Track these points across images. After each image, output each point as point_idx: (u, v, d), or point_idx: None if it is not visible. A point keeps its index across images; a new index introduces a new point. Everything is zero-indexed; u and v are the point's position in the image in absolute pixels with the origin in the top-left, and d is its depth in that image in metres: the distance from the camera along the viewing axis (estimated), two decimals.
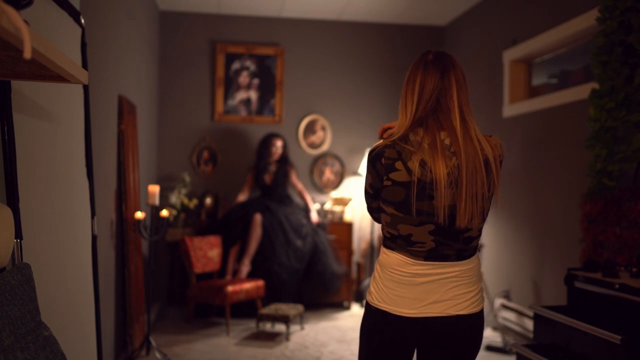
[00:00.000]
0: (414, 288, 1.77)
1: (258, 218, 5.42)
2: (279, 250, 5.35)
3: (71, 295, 2.44)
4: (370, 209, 1.90)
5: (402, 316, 1.77)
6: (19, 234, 1.82)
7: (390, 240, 1.81)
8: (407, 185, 1.71)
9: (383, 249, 1.86)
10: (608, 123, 3.27)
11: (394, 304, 1.79)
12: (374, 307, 1.83)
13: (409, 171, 1.70)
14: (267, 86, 6.23)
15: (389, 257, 1.81)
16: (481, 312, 1.83)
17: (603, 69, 3.30)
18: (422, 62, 1.81)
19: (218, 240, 5.41)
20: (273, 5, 5.84)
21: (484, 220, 1.78)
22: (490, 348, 4.41)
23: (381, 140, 1.80)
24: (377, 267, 1.87)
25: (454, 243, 1.75)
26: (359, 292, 5.99)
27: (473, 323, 1.80)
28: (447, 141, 1.74)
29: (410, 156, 1.71)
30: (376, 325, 1.83)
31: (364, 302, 1.93)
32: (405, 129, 1.77)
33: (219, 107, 6.15)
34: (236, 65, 6.19)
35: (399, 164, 1.72)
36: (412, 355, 1.89)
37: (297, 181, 5.86)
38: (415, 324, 1.77)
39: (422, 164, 1.70)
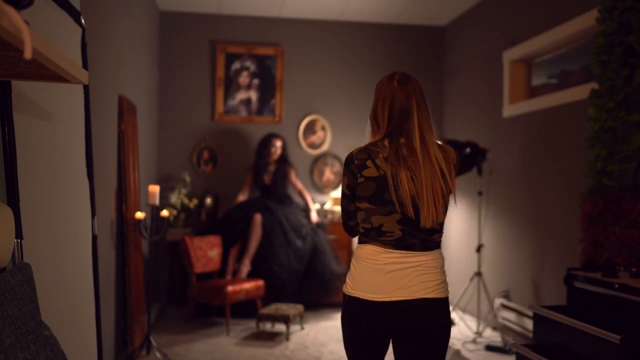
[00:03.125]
0: (385, 275, 1.99)
1: (258, 218, 5.42)
2: (278, 250, 5.35)
3: (71, 295, 2.44)
4: (347, 214, 2.14)
5: (374, 301, 1.98)
6: (19, 234, 1.82)
7: (364, 235, 2.07)
8: (376, 179, 2.00)
9: (358, 245, 2.11)
10: (608, 123, 3.27)
11: (366, 291, 2.00)
12: (349, 295, 2.04)
13: (377, 167, 2.00)
14: (267, 86, 6.24)
15: (363, 249, 2.06)
16: (446, 300, 2.05)
17: (603, 69, 3.31)
18: (390, 85, 2.17)
19: (218, 240, 5.42)
20: (273, 5, 5.84)
21: (444, 215, 2.04)
22: (490, 348, 4.42)
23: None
24: (353, 261, 2.11)
25: (418, 233, 2.01)
26: None
27: (439, 307, 2.00)
28: (405, 152, 2.02)
29: (378, 155, 2.02)
30: (353, 311, 2.03)
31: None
32: (376, 140, 2.09)
33: (219, 107, 6.15)
34: (236, 65, 6.19)
35: (369, 162, 2.02)
36: (388, 343, 2.07)
37: (296, 181, 5.86)
38: (387, 308, 1.97)
39: (385, 162, 2.00)
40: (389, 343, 2.07)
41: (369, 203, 2.02)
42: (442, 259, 2.10)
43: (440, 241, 2.09)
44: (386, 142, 2.05)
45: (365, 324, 2.00)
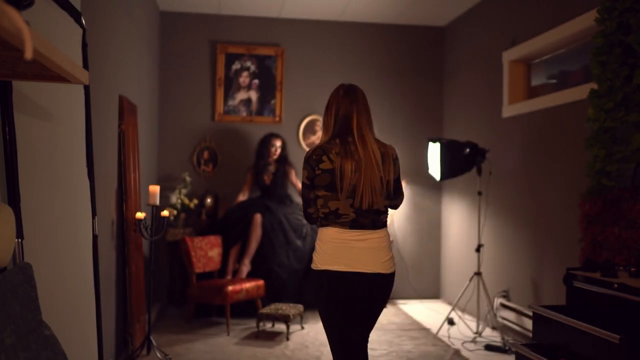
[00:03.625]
0: (347, 251, 2.45)
1: (258, 218, 5.43)
2: (278, 250, 5.36)
3: (72, 295, 2.45)
4: (307, 202, 2.54)
5: (341, 271, 2.43)
6: (20, 234, 1.82)
7: (324, 219, 2.50)
8: (330, 171, 2.45)
9: (320, 229, 2.54)
10: (607, 123, 3.28)
11: (331, 264, 2.45)
12: (317, 270, 2.48)
13: (331, 161, 2.45)
14: (268, 86, 6.24)
15: (326, 231, 2.50)
16: (393, 274, 2.55)
17: (602, 69, 3.31)
18: (337, 95, 2.58)
19: (218, 240, 5.42)
20: (273, 6, 5.85)
21: (388, 199, 2.53)
22: (490, 347, 4.42)
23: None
24: (317, 242, 2.53)
25: (368, 214, 2.47)
26: None
27: (388, 281, 2.53)
28: (352, 148, 2.47)
29: (331, 151, 2.47)
30: (322, 281, 2.47)
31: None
32: (327, 139, 2.54)
33: (219, 107, 6.16)
34: (236, 65, 6.20)
35: (324, 157, 2.46)
36: (353, 305, 2.49)
37: (296, 181, 5.87)
38: (350, 277, 2.44)
39: (337, 156, 2.45)
40: (352, 304, 2.48)
41: (325, 191, 2.46)
42: (388, 236, 2.56)
43: (386, 221, 2.56)
44: (337, 140, 2.51)
45: (335, 290, 2.45)
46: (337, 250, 2.45)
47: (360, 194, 2.44)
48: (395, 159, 2.60)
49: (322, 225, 2.52)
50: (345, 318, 2.49)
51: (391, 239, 2.55)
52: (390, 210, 2.65)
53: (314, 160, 2.47)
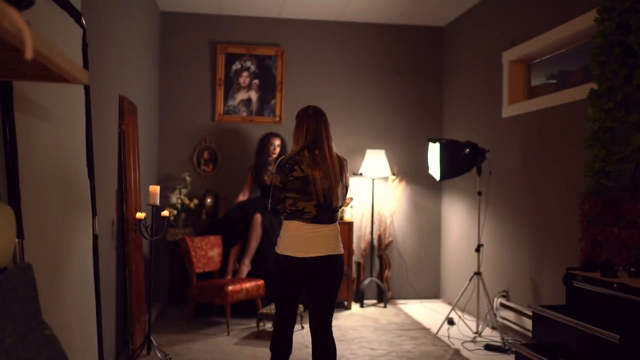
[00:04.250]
0: (306, 240, 3.05)
1: (258, 218, 5.43)
2: None
3: (72, 295, 2.45)
4: (275, 200, 3.09)
5: (298, 257, 3.03)
6: (20, 234, 1.83)
7: (291, 214, 3.08)
8: (302, 179, 3.04)
9: (285, 222, 3.11)
10: (607, 123, 3.28)
11: (293, 251, 3.04)
12: (281, 254, 3.08)
13: (302, 170, 3.04)
14: (268, 86, 6.25)
15: (290, 224, 3.08)
16: (341, 256, 3.13)
17: (602, 69, 3.31)
18: (307, 114, 3.22)
19: (218, 240, 5.43)
20: (273, 6, 5.85)
21: (342, 201, 3.16)
22: (490, 347, 4.43)
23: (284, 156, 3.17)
24: (282, 231, 3.11)
25: (326, 212, 3.08)
26: (359, 291, 6.00)
27: (337, 260, 3.10)
28: (319, 159, 3.08)
29: (302, 162, 3.06)
30: (284, 264, 3.07)
31: (274, 254, 3.15)
32: (298, 151, 3.11)
33: (220, 107, 6.16)
34: (236, 65, 6.20)
35: (296, 167, 3.04)
36: (306, 283, 3.09)
37: None
38: (306, 261, 3.04)
39: (307, 167, 3.04)
40: (306, 282, 3.09)
41: (296, 194, 3.05)
42: (337, 229, 3.17)
43: (337, 217, 3.19)
44: (306, 152, 3.09)
45: (292, 271, 3.05)
46: (298, 240, 3.05)
47: (329, 196, 3.06)
48: (347, 169, 3.24)
49: (288, 219, 3.10)
50: (289, 293, 3.12)
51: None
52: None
53: (287, 169, 3.05)
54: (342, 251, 3.15)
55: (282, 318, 3.16)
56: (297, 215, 3.05)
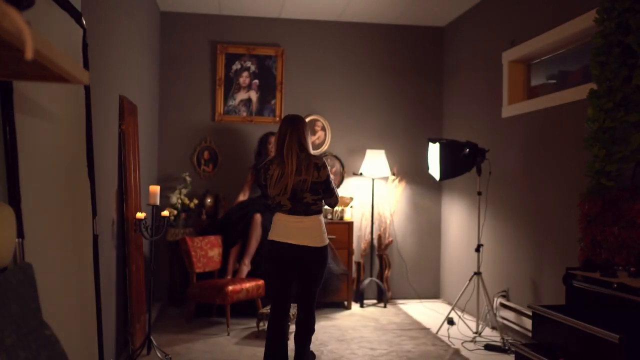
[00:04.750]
0: (286, 229, 3.55)
1: (258, 218, 5.43)
2: None
3: (72, 295, 2.46)
4: (266, 196, 3.66)
5: (283, 242, 3.54)
6: (20, 234, 1.83)
7: (275, 207, 3.63)
8: (274, 177, 3.54)
9: (274, 214, 3.65)
10: (606, 123, 3.28)
11: (278, 237, 3.56)
12: (269, 239, 3.61)
13: (274, 170, 3.55)
14: (268, 86, 6.25)
15: (276, 215, 3.62)
16: (323, 248, 3.57)
17: (601, 69, 3.32)
18: (283, 121, 3.64)
19: (218, 240, 5.43)
20: (273, 6, 5.86)
21: (315, 195, 3.55)
22: (490, 347, 4.43)
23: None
24: (273, 221, 3.64)
25: (300, 205, 3.54)
26: (359, 291, 6.00)
27: (316, 251, 3.54)
28: (287, 159, 3.52)
29: (272, 164, 3.58)
30: (273, 247, 3.60)
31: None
32: (276, 153, 3.62)
33: (220, 107, 6.16)
34: (236, 65, 6.21)
35: (271, 167, 3.58)
36: (295, 268, 3.59)
37: None
38: (288, 247, 3.53)
39: (277, 167, 3.54)
40: (294, 267, 3.58)
41: (272, 189, 3.57)
42: (319, 221, 3.59)
43: (318, 210, 3.60)
44: (278, 155, 3.59)
45: (279, 254, 3.57)
46: (280, 228, 3.57)
47: (299, 191, 3.52)
48: (320, 167, 3.55)
49: (275, 211, 3.66)
50: (279, 273, 3.61)
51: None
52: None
53: (264, 169, 3.64)
54: (321, 243, 3.56)
55: (275, 301, 3.67)
56: (279, 208, 3.60)
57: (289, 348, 3.77)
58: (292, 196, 3.51)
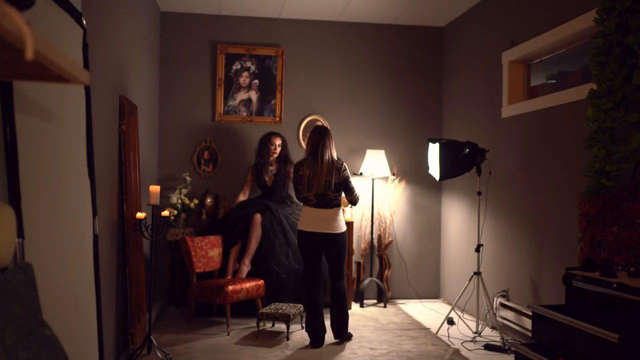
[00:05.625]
0: (313, 220, 4.45)
1: (258, 218, 5.43)
2: (278, 250, 5.36)
3: (73, 295, 2.46)
4: (295, 191, 4.58)
5: (308, 231, 4.46)
6: (21, 234, 1.83)
7: (303, 201, 4.53)
8: (304, 176, 4.44)
9: (302, 207, 4.56)
10: (606, 123, 3.29)
11: (306, 227, 4.47)
12: (300, 229, 4.53)
13: (304, 170, 4.44)
14: (268, 87, 6.25)
15: (303, 209, 4.53)
16: (342, 234, 4.51)
17: (601, 69, 3.32)
18: (313, 132, 4.56)
19: (218, 240, 5.43)
20: (273, 6, 5.86)
21: (336, 193, 4.46)
22: (490, 347, 4.43)
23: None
24: (301, 213, 4.57)
25: (324, 200, 4.43)
26: (358, 291, 6.00)
27: (336, 237, 4.48)
28: (316, 163, 4.41)
29: (303, 165, 4.47)
30: (301, 235, 4.52)
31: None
32: (307, 157, 4.49)
33: (220, 107, 6.16)
34: (237, 65, 6.21)
35: (301, 168, 4.48)
36: (321, 249, 4.52)
37: None
38: (315, 234, 4.45)
39: (307, 168, 4.44)
40: (320, 248, 4.51)
41: (302, 187, 4.48)
42: (338, 213, 4.51)
43: (337, 204, 4.49)
44: (309, 158, 4.48)
45: (307, 241, 4.49)
46: (307, 219, 4.48)
47: (323, 188, 4.41)
48: (339, 169, 4.46)
49: (303, 205, 4.55)
50: (309, 255, 4.53)
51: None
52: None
53: (296, 169, 4.53)
54: (340, 230, 4.48)
55: (307, 275, 4.60)
56: (305, 202, 4.51)
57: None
58: (317, 193, 4.40)
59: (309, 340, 4.57)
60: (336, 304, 4.56)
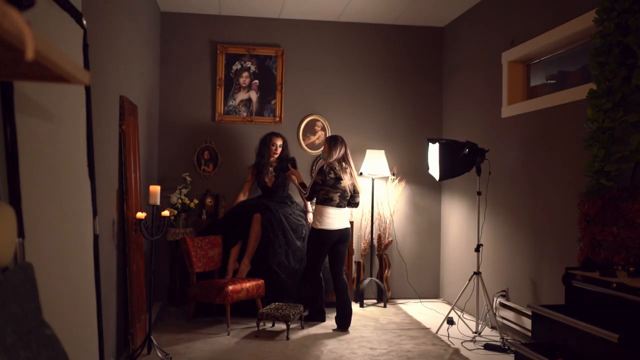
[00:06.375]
0: (335, 219, 5.02)
1: (258, 218, 5.43)
2: (278, 250, 5.36)
3: (73, 295, 2.46)
4: (315, 192, 5.06)
5: (329, 229, 4.99)
6: (21, 233, 1.83)
7: (323, 201, 5.02)
8: (335, 178, 5.01)
9: (318, 206, 5.07)
10: (606, 123, 3.29)
11: (330, 226, 5.00)
12: (317, 228, 5.02)
13: (336, 173, 5.02)
14: (268, 87, 6.25)
15: (323, 208, 5.02)
16: (349, 227, 5.19)
17: (601, 69, 3.32)
18: (339, 141, 5.13)
19: (218, 240, 5.43)
20: (273, 7, 5.86)
21: (355, 195, 5.16)
22: (489, 347, 4.43)
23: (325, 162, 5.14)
24: (315, 214, 5.09)
25: (344, 200, 5.08)
26: (358, 291, 6.00)
27: (349, 230, 5.16)
28: (345, 167, 5.06)
29: (335, 169, 5.03)
30: (320, 234, 5.01)
31: (311, 229, 5.17)
32: (332, 162, 5.05)
33: (220, 107, 6.17)
34: (237, 65, 6.21)
35: (332, 171, 5.01)
36: (330, 245, 5.03)
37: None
38: (336, 231, 5.01)
39: (339, 171, 5.03)
40: (334, 243, 5.04)
41: (329, 188, 4.99)
42: (348, 210, 5.25)
43: (352, 203, 5.17)
44: (337, 163, 5.04)
45: (330, 239, 5.00)
46: (330, 219, 4.99)
47: (347, 191, 5.05)
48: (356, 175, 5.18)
49: (319, 204, 5.04)
50: (323, 253, 5.06)
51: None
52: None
53: (326, 173, 5.00)
54: (348, 224, 5.19)
55: (315, 268, 5.08)
56: (327, 201, 4.98)
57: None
58: (341, 194, 4.99)
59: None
60: (343, 297, 5.02)
